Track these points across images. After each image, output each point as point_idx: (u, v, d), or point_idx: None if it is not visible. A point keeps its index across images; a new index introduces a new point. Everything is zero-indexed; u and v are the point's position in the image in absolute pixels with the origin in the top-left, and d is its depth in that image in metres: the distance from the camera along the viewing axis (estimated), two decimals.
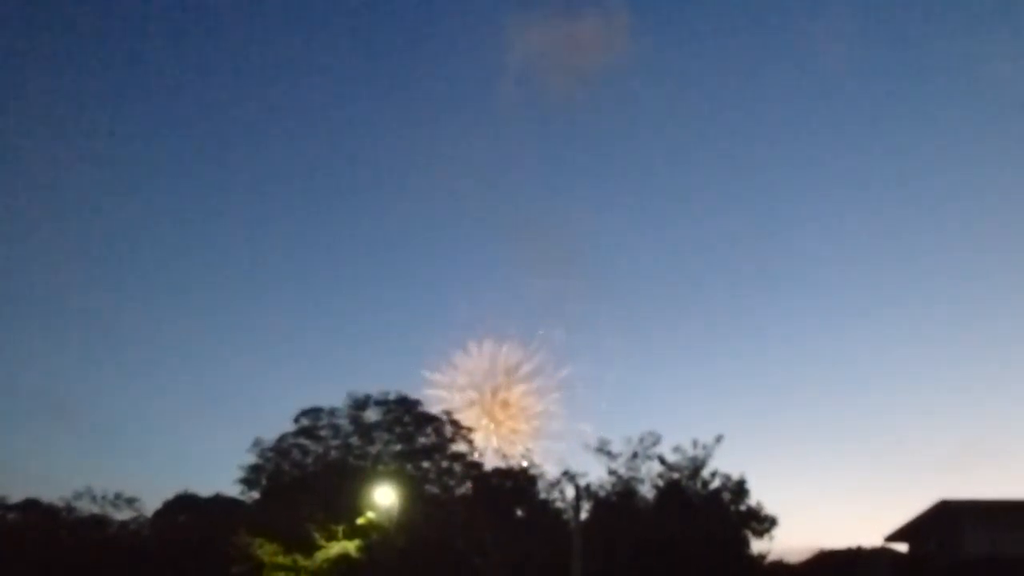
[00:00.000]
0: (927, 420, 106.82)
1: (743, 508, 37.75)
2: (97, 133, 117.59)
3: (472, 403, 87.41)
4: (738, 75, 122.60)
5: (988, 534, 32.62)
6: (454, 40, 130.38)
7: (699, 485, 37.82)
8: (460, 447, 46.80)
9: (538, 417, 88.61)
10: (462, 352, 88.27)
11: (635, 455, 37.81)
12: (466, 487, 44.98)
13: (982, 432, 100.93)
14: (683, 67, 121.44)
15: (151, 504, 50.16)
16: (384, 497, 35.02)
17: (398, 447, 45.26)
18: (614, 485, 38.21)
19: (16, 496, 48.67)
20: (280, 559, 35.63)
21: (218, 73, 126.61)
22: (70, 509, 47.13)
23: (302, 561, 35.72)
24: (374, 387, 46.03)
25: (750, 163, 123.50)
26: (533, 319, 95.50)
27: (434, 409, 49.80)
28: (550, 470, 40.17)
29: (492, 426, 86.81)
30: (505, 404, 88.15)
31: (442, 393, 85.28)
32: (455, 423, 47.91)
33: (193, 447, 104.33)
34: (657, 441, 37.87)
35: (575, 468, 38.79)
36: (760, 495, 38.07)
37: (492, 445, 77.68)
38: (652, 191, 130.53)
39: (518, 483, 42.18)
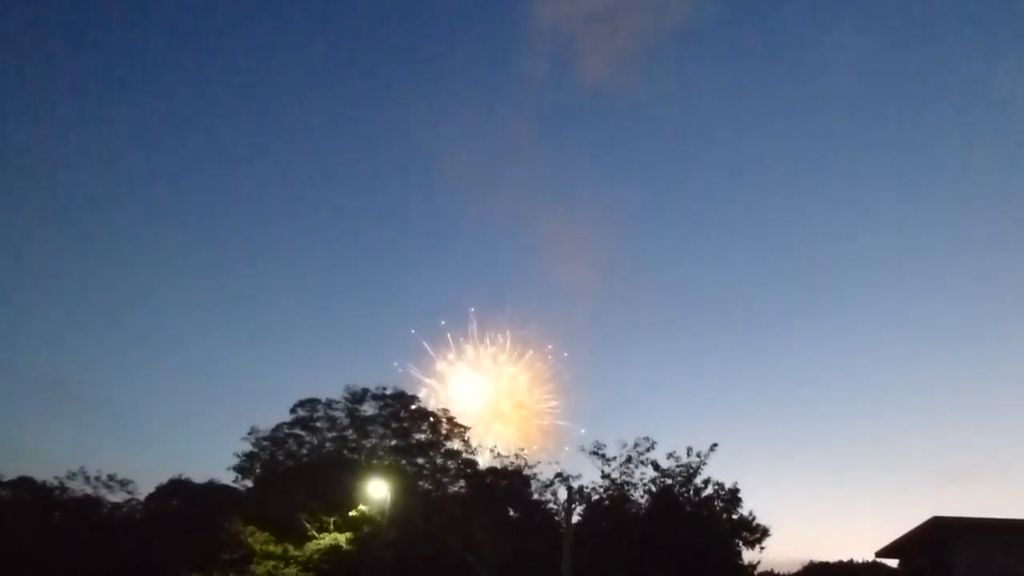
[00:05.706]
0: (923, 436, 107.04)
1: (735, 517, 37.60)
2: (101, 132, 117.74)
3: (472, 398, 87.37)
4: (757, 79, 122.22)
5: (980, 553, 32.53)
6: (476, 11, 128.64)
7: (691, 492, 37.70)
8: (455, 445, 46.79)
9: (535, 416, 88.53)
10: (463, 345, 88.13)
11: (629, 459, 37.67)
12: (460, 485, 44.93)
13: (978, 450, 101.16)
14: (710, 62, 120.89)
15: (144, 487, 50.14)
16: (377, 491, 35.01)
17: (393, 442, 45.32)
18: (607, 489, 38.10)
19: (10, 474, 48.67)
20: (271, 548, 35.64)
21: (217, 62, 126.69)
22: (63, 488, 46.98)
23: (293, 551, 35.73)
24: (372, 382, 46.32)
25: (758, 172, 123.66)
26: (540, 316, 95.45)
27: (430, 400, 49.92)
28: (544, 471, 40.01)
29: (489, 422, 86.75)
30: (510, 401, 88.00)
31: (437, 385, 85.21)
32: (451, 420, 47.90)
33: (189, 433, 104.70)
34: (652, 446, 37.70)
35: (569, 470, 38.70)
36: (753, 505, 37.99)
37: (487, 443, 77.64)
38: (658, 193, 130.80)
39: (512, 483, 42.10)
